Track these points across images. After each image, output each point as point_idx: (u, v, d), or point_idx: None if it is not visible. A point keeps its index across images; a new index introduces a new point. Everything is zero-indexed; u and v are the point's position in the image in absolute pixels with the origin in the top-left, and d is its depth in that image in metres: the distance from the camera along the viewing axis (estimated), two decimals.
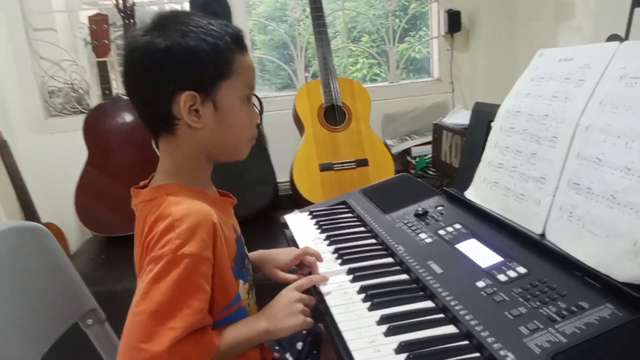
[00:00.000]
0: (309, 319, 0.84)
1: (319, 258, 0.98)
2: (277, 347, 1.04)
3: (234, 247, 0.85)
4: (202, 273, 0.74)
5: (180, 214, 0.74)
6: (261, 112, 2.13)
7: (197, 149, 0.83)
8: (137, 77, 0.81)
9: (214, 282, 0.77)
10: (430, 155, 2.08)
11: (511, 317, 0.68)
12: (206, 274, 0.75)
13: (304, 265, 0.99)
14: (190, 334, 0.70)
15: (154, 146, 0.86)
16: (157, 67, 0.77)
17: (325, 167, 1.94)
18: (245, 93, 0.83)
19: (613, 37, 1.63)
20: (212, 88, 0.79)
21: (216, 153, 0.85)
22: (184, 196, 0.79)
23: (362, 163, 1.96)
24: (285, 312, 0.83)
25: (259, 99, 2.11)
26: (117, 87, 2.23)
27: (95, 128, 1.93)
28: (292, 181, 1.95)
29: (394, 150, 2.19)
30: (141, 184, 0.87)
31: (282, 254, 1.01)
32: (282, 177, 2.05)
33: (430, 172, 2.09)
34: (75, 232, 2.21)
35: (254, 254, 1.03)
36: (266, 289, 0.98)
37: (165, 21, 0.79)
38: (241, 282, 0.86)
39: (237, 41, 0.81)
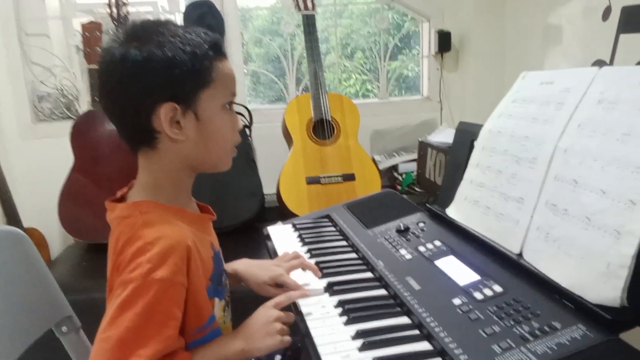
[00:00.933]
0: (287, 338, 0.82)
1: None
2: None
3: (210, 265, 0.82)
4: (172, 298, 0.72)
5: (152, 237, 0.72)
6: (251, 123, 2.13)
7: (179, 163, 0.80)
8: (113, 90, 0.77)
9: (187, 305, 0.75)
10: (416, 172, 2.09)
11: (485, 335, 0.68)
12: (177, 300, 0.73)
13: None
14: (160, 358, 0.69)
15: None
16: (134, 80, 0.75)
17: (313, 181, 1.94)
18: (226, 100, 0.81)
19: (598, 62, 1.67)
20: (193, 98, 0.77)
21: (199, 165, 0.83)
22: (159, 217, 0.76)
23: (349, 178, 1.97)
24: (262, 331, 0.81)
25: (249, 111, 2.12)
26: None
27: (83, 134, 1.92)
28: (278, 193, 1.96)
29: (382, 166, 2.20)
30: (118, 194, 0.84)
31: (266, 270, 0.97)
32: (268, 189, 2.05)
33: (417, 189, 2.10)
34: (58, 238, 2.19)
35: (237, 264, 1.00)
36: (243, 303, 0.97)
37: (141, 31, 0.77)
38: (217, 300, 0.84)
39: (216, 48, 0.79)
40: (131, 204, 0.80)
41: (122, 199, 0.83)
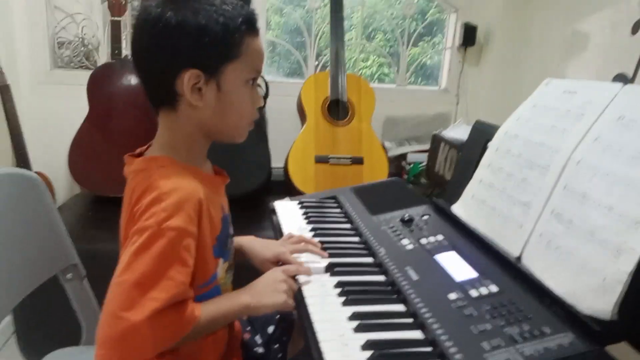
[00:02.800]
0: (291, 301, 0.85)
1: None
2: (248, 328, 1.06)
3: (219, 226, 0.86)
4: (185, 247, 0.75)
5: (167, 187, 0.75)
6: (266, 95, 2.14)
7: (195, 127, 0.83)
8: (144, 49, 0.80)
9: (195, 258, 0.78)
10: (424, 164, 2.10)
11: (476, 331, 0.70)
12: (190, 248, 0.76)
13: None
14: (171, 306, 0.71)
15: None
16: (165, 42, 0.77)
17: (321, 160, 1.96)
18: (251, 76, 0.83)
19: (619, 76, 1.66)
20: (218, 69, 0.79)
21: (214, 133, 0.86)
22: (175, 171, 0.79)
23: (358, 161, 1.99)
24: (269, 289, 0.85)
25: (266, 82, 2.12)
26: (127, 48, 2.23)
27: (100, 86, 1.93)
28: (286, 168, 1.97)
29: (391, 154, 2.21)
30: (137, 151, 0.87)
31: (271, 248, 1.00)
32: (276, 162, 2.06)
33: (423, 180, 2.11)
34: (64, 186, 2.22)
35: (243, 240, 1.03)
36: (247, 270, 1.00)
37: None
38: (221, 260, 0.87)
39: (249, 23, 0.81)
40: (149, 157, 0.83)
41: (140, 155, 0.86)
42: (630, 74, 1.65)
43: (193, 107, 0.80)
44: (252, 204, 1.98)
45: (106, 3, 2.06)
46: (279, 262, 0.98)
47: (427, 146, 2.18)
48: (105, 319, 0.67)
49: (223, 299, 0.84)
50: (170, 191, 0.75)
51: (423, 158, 2.15)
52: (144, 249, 0.71)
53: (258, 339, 1.06)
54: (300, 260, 0.96)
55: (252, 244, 1.03)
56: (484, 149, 1.08)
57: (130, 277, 0.69)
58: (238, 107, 0.84)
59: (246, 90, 0.83)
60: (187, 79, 0.77)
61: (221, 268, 0.88)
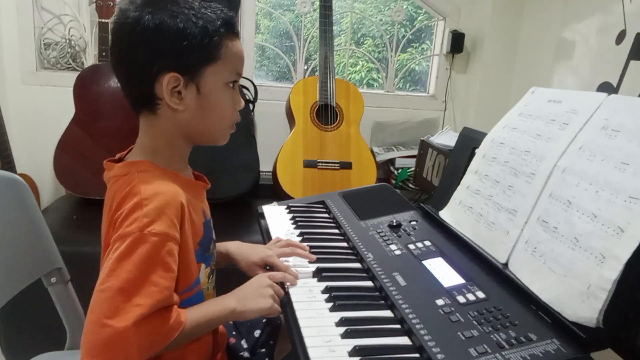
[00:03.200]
0: (277, 306, 0.85)
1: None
2: (234, 333, 1.06)
3: (200, 231, 0.85)
4: (169, 252, 0.74)
5: (149, 192, 0.75)
6: (255, 99, 2.14)
7: (176, 131, 0.83)
8: (123, 52, 0.80)
9: (178, 263, 0.77)
10: (412, 169, 2.12)
11: (463, 337, 0.71)
12: (173, 253, 0.75)
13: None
14: (156, 312, 0.71)
15: None
16: (143, 45, 0.77)
17: (309, 164, 1.96)
18: (231, 79, 0.83)
19: (605, 85, 1.69)
20: (197, 72, 0.79)
21: (195, 136, 0.85)
22: (156, 176, 0.79)
23: (346, 166, 1.99)
24: (255, 294, 0.85)
25: (255, 86, 2.12)
26: None
27: (87, 88, 1.91)
28: (274, 172, 1.97)
29: (379, 159, 2.22)
30: (117, 156, 0.86)
31: (258, 252, 1.01)
32: (264, 166, 2.06)
33: (410, 186, 2.13)
34: (49, 188, 2.19)
35: (229, 245, 1.03)
36: (228, 274, 1.00)
37: None
38: (203, 265, 0.87)
39: (228, 26, 0.81)
40: (128, 162, 0.82)
41: (119, 160, 0.85)
42: (615, 82, 1.68)
43: (173, 111, 0.80)
44: (240, 208, 1.98)
45: (94, 5, 2.05)
46: (266, 265, 0.98)
47: (415, 151, 2.20)
48: (90, 327, 0.66)
49: (209, 304, 0.84)
50: (151, 196, 0.74)
51: (411, 163, 2.16)
52: (126, 255, 0.70)
53: (244, 344, 1.05)
54: (288, 264, 0.95)
55: (238, 248, 1.03)
56: (471, 155, 1.09)
57: (113, 283, 0.68)
58: (218, 110, 0.83)
59: (226, 92, 0.83)
60: (167, 82, 0.77)
61: (203, 273, 0.87)
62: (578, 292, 0.71)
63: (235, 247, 1.03)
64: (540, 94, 1.02)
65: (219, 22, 0.79)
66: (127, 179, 0.78)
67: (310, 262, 0.97)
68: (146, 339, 0.69)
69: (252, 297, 0.84)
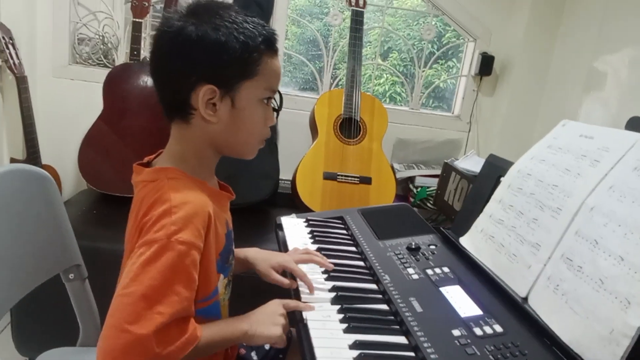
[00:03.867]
0: (284, 337, 0.85)
1: (309, 287, 0.94)
2: (244, 344, 1.05)
3: (223, 241, 0.86)
4: (193, 262, 0.74)
5: (178, 200, 0.75)
6: (280, 107, 2.14)
7: (206, 141, 0.83)
8: (162, 60, 0.81)
9: (199, 272, 0.77)
10: (432, 189, 2.10)
11: None
12: (196, 264, 0.75)
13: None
14: (174, 322, 0.71)
15: None
16: (184, 55, 0.78)
17: (329, 177, 1.96)
18: (266, 95, 0.84)
19: (634, 120, 1.66)
20: (234, 86, 0.80)
21: (225, 148, 0.86)
22: (185, 184, 0.79)
23: (366, 181, 1.98)
24: (269, 320, 0.85)
25: (280, 94, 2.12)
26: (146, 49, 2.24)
27: (117, 85, 1.94)
28: (293, 182, 1.97)
29: (399, 175, 2.21)
30: (145, 159, 0.87)
31: (278, 256, 1.02)
32: (284, 174, 2.07)
33: (429, 205, 2.11)
34: (71, 181, 2.23)
35: (247, 251, 1.03)
36: (242, 288, 1.00)
37: (202, 10, 0.79)
38: (221, 276, 0.87)
39: (268, 43, 0.81)
40: (158, 168, 0.83)
41: (148, 165, 0.86)
42: None
43: (206, 122, 0.80)
44: (257, 215, 1.98)
45: (129, 4, 2.08)
46: (282, 270, 0.99)
47: (435, 171, 2.19)
48: (110, 331, 0.67)
49: (223, 323, 0.84)
50: (180, 204, 0.75)
51: (431, 182, 2.15)
52: (151, 262, 0.70)
53: (254, 355, 1.05)
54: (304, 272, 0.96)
55: (257, 253, 1.03)
56: (496, 183, 1.08)
57: (137, 289, 0.68)
58: (250, 125, 0.84)
59: (260, 108, 0.84)
60: (203, 93, 0.78)
61: (221, 284, 0.88)
62: (600, 336, 0.70)
63: (254, 252, 1.03)
64: (571, 127, 1.01)
65: (260, 39, 0.80)
66: (157, 185, 0.78)
67: (326, 280, 0.97)
68: (163, 348, 0.69)
69: (265, 323, 0.84)
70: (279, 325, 0.84)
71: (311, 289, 0.92)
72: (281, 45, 2.31)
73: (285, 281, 0.96)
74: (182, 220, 0.73)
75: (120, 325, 0.66)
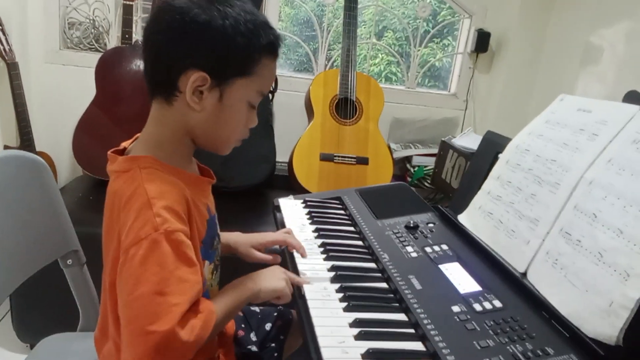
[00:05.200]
0: (289, 290, 0.85)
1: (302, 253, 0.98)
2: (242, 325, 1.06)
3: (204, 228, 0.83)
4: (187, 246, 0.73)
5: (154, 191, 0.72)
6: (275, 89, 2.13)
7: (184, 127, 0.80)
8: (160, 35, 0.76)
9: None
10: (429, 168, 2.10)
11: (478, 347, 0.70)
12: (191, 247, 0.74)
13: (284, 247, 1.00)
14: (190, 308, 0.70)
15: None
16: (184, 37, 0.74)
17: (326, 158, 1.95)
18: (255, 98, 0.81)
19: (632, 94, 1.65)
20: (227, 80, 0.77)
21: (200, 139, 0.82)
22: (159, 173, 0.76)
23: (363, 161, 1.98)
24: (270, 275, 0.87)
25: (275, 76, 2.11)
26: (138, 32, 2.21)
27: (109, 69, 1.91)
28: (290, 164, 1.97)
29: (396, 155, 2.21)
30: (122, 145, 0.84)
31: (259, 235, 1.02)
32: (280, 157, 2.06)
33: (426, 184, 2.11)
34: (66, 167, 2.22)
35: (230, 235, 1.02)
36: (233, 271, 1.00)
37: None
38: (207, 262, 0.85)
39: (271, 46, 0.79)
40: (130, 157, 0.79)
41: (124, 151, 0.83)
42: None
43: (188, 108, 0.77)
44: (254, 197, 1.98)
45: None
46: (264, 248, 1.00)
47: (432, 150, 2.18)
48: (134, 339, 0.66)
49: (230, 290, 0.84)
50: (157, 195, 0.72)
51: (428, 161, 2.15)
52: (148, 258, 0.68)
53: (253, 337, 1.05)
54: (302, 261, 0.96)
55: (237, 237, 1.03)
56: (494, 160, 1.07)
57: (145, 289, 0.67)
58: (232, 123, 0.81)
59: (245, 109, 0.81)
60: (194, 79, 0.74)
61: (207, 270, 0.86)
62: (599, 308, 0.70)
63: (235, 237, 1.03)
64: (568, 102, 1.00)
65: (265, 40, 0.77)
66: (130, 176, 0.75)
67: (325, 260, 0.97)
68: (190, 335, 0.68)
69: (268, 277, 0.86)
70: (282, 280, 0.85)
71: (304, 254, 0.94)
72: (274, 26, 2.27)
73: (268, 257, 0.98)
74: (164, 210, 0.71)
75: (142, 329, 0.65)
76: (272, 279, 0.85)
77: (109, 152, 0.81)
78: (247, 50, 0.76)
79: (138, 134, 0.84)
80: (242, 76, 0.77)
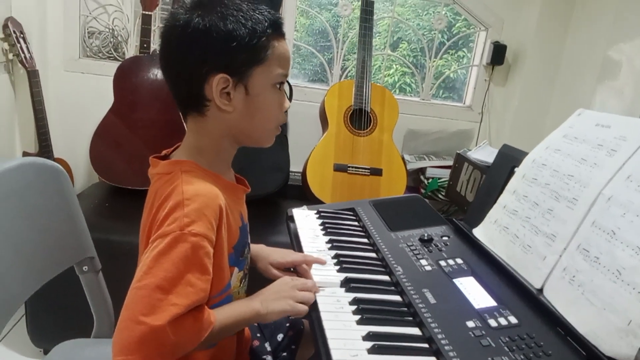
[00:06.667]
0: (301, 306, 0.84)
1: (322, 262, 0.98)
2: (258, 335, 1.06)
3: (236, 235, 0.86)
4: (206, 253, 0.74)
5: (190, 193, 0.75)
6: (290, 99, 2.13)
7: (223, 132, 0.83)
8: (172, 55, 0.81)
9: (212, 265, 0.77)
10: (443, 180, 2.09)
11: None
12: (210, 256, 0.75)
13: (298, 271, 0.99)
14: (189, 311, 0.71)
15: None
16: (193, 47, 0.78)
17: (340, 168, 1.95)
18: (278, 80, 0.83)
19: None
20: (246, 73, 0.79)
21: (242, 137, 0.86)
22: (198, 176, 0.80)
23: (376, 172, 1.98)
24: (277, 295, 0.85)
25: (290, 85, 2.12)
26: (156, 42, 2.24)
27: (127, 78, 1.94)
28: (304, 174, 1.97)
29: (410, 167, 2.20)
30: (162, 153, 0.88)
31: (279, 253, 1.02)
32: (294, 166, 2.06)
33: (440, 196, 2.10)
34: (83, 174, 2.24)
35: (253, 247, 1.03)
36: (261, 278, 1.00)
37: (207, 1, 0.79)
38: (236, 269, 0.87)
39: (275, 27, 0.81)
40: (173, 161, 0.83)
41: (165, 157, 0.86)
42: None
43: (222, 112, 0.81)
44: (267, 207, 1.98)
45: None
46: (290, 269, 0.99)
47: (446, 162, 2.17)
48: (125, 324, 0.67)
49: (235, 305, 0.84)
50: (192, 197, 0.75)
51: (442, 173, 2.14)
52: (165, 254, 0.70)
53: (267, 346, 1.05)
54: (316, 273, 0.96)
55: (260, 250, 1.03)
56: (510, 174, 1.07)
57: (151, 281, 0.69)
58: (266, 111, 0.84)
59: (274, 93, 0.84)
60: (216, 83, 0.78)
61: (235, 277, 0.88)
62: (617, 327, 0.69)
63: (257, 249, 1.03)
64: (587, 116, 0.99)
65: (266, 24, 0.80)
66: (171, 178, 0.79)
67: (338, 272, 0.97)
68: (179, 338, 0.69)
69: (274, 299, 0.84)
70: (288, 299, 0.84)
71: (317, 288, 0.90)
72: (290, 36, 2.29)
73: (284, 276, 0.96)
74: (194, 213, 0.74)
75: (135, 317, 0.66)
76: (279, 301, 0.84)
77: (151, 157, 0.86)
78: (254, 39, 0.78)
79: (178, 143, 0.88)
80: (258, 65, 0.80)
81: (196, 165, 0.82)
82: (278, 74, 0.83)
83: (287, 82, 0.88)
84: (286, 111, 0.90)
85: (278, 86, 0.84)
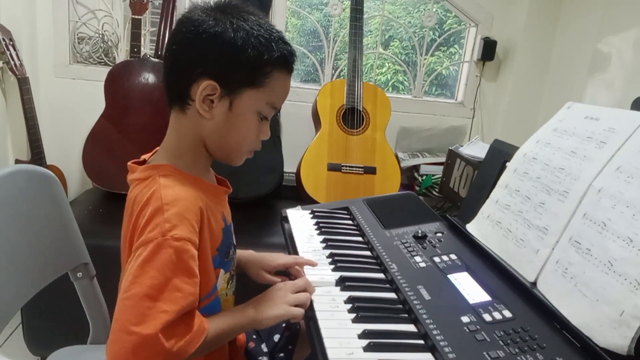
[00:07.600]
0: (296, 309, 0.84)
1: (313, 265, 0.98)
2: (254, 337, 1.06)
3: (219, 237, 0.85)
4: (191, 256, 0.73)
5: (169, 197, 0.74)
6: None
7: (197, 136, 0.82)
8: (175, 45, 0.81)
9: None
10: (437, 176, 2.10)
11: (489, 358, 0.69)
12: (195, 258, 0.75)
13: (291, 273, 0.99)
14: (180, 318, 0.71)
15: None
16: (196, 46, 0.78)
17: (333, 168, 1.95)
18: (266, 110, 0.83)
19: (639, 101, 1.64)
20: (236, 89, 0.79)
21: (212, 148, 0.84)
22: (176, 180, 0.78)
23: (370, 171, 1.98)
24: (271, 301, 0.85)
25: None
26: (146, 46, 2.24)
27: (118, 83, 1.94)
28: (298, 174, 1.97)
29: (403, 164, 2.20)
30: (142, 157, 0.87)
31: (269, 257, 1.02)
32: (288, 167, 2.06)
33: (434, 193, 2.10)
34: (76, 180, 2.24)
35: (242, 253, 1.03)
36: (249, 280, 1.00)
37: (228, 8, 0.79)
38: (222, 271, 0.87)
39: (284, 60, 0.81)
40: (151, 166, 0.82)
41: (144, 162, 0.86)
42: None
43: (199, 116, 0.80)
44: (262, 208, 1.98)
45: (128, 1, 2.07)
46: (275, 271, 1.00)
47: (440, 159, 2.17)
48: (116, 335, 0.66)
49: (229, 312, 0.83)
50: (172, 201, 0.74)
51: (435, 170, 2.14)
52: (149, 261, 0.69)
53: (264, 348, 1.05)
54: (310, 272, 0.96)
55: (249, 256, 1.03)
56: (501, 169, 1.07)
57: (138, 290, 0.68)
58: (242, 133, 0.82)
59: (256, 119, 0.82)
60: (203, 87, 0.77)
61: (222, 279, 0.87)
62: (610, 318, 0.69)
63: (247, 256, 1.03)
64: (576, 109, 1.00)
65: (276, 54, 0.79)
66: (149, 183, 0.78)
67: (333, 270, 0.97)
68: (173, 345, 0.69)
69: (269, 305, 0.84)
70: (283, 304, 0.83)
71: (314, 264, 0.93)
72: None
73: (277, 280, 0.97)
74: (175, 217, 0.73)
75: (125, 328, 0.66)
76: (274, 307, 0.83)
77: (129, 163, 0.85)
78: (257, 62, 0.78)
79: (157, 148, 0.87)
80: (252, 87, 0.79)
81: (174, 168, 0.80)
82: (268, 105, 0.82)
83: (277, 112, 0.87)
84: (277, 118, 0.89)
85: (263, 116, 0.83)
